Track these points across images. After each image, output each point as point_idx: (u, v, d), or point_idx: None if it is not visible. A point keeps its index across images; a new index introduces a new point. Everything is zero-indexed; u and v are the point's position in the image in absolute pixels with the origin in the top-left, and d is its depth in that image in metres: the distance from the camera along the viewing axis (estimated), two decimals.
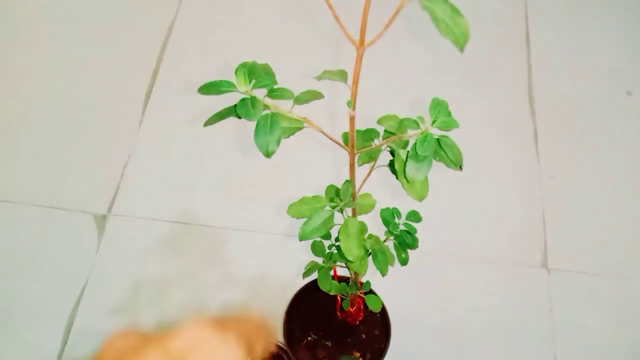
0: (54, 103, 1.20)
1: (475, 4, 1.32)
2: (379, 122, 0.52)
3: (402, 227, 0.61)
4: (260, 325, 0.36)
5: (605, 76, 1.26)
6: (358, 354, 0.84)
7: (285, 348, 0.83)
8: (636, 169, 1.14)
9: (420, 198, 0.48)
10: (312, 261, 0.68)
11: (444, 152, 0.45)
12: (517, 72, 1.25)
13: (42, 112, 1.19)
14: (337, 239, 0.65)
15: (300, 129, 0.47)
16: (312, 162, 1.11)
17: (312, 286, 0.86)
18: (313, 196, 0.54)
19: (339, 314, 0.85)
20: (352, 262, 0.60)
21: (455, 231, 1.06)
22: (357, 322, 0.86)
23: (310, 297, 0.87)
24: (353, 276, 0.71)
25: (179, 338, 0.28)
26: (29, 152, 1.14)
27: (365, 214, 0.58)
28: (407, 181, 0.46)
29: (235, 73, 0.43)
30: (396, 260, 0.61)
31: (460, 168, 0.46)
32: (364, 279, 0.74)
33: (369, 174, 0.55)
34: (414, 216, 0.61)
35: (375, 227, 0.62)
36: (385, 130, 0.52)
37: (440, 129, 0.45)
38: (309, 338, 0.85)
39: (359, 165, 0.54)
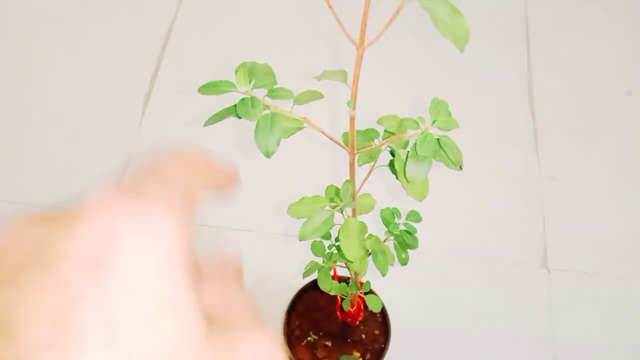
0: (53, 103, 1.20)
1: (475, 4, 1.32)
2: (379, 122, 0.52)
3: (402, 227, 0.61)
4: (194, 160, 0.25)
5: (605, 76, 1.26)
6: (358, 354, 0.84)
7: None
8: (636, 169, 1.14)
9: (420, 198, 0.48)
10: (312, 261, 0.68)
11: (444, 152, 0.45)
12: (517, 72, 1.25)
13: (41, 112, 1.19)
14: (337, 239, 0.65)
15: (300, 129, 0.47)
16: (312, 162, 1.11)
17: (312, 286, 0.86)
18: (313, 196, 0.54)
19: (339, 314, 0.85)
20: (352, 262, 0.60)
21: (455, 231, 1.06)
22: (357, 322, 0.86)
23: (310, 297, 0.87)
24: (353, 276, 0.71)
25: (82, 236, 0.19)
26: (29, 152, 1.14)
27: (365, 214, 0.58)
28: (407, 181, 0.46)
29: (235, 73, 0.43)
30: (396, 260, 0.61)
31: (460, 168, 0.46)
32: (364, 279, 0.74)
33: (369, 174, 0.55)
34: (414, 216, 0.61)
35: (375, 227, 0.62)
36: (385, 130, 0.52)
37: (440, 129, 0.45)
38: (309, 338, 0.85)
39: (359, 165, 0.54)
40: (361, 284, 0.74)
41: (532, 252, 1.04)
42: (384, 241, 0.62)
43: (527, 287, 1.01)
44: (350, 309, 0.81)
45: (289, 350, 0.83)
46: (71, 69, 1.24)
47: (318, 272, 0.68)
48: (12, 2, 1.35)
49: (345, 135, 0.52)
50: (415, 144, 0.44)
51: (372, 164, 0.55)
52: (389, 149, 0.52)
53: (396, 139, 0.48)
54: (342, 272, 0.77)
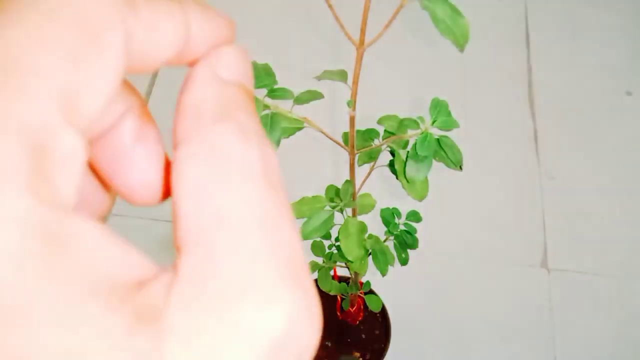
0: None
1: (475, 4, 1.32)
2: (379, 122, 0.52)
3: (402, 227, 0.61)
4: None
5: (605, 76, 1.26)
6: (358, 354, 0.84)
7: None
8: (636, 169, 1.14)
9: (420, 198, 0.48)
10: (312, 261, 0.68)
11: (444, 152, 0.45)
12: (517, 72, 1.25)
13: None
14: (337, 239, 0.65)
15: (300, 129, 0.47)
16: (312, 162, 1.11)
17: None
18: (313, 196, 0.54)
19: (339, 314, 0.85)
20: (352, 262, 0.60)
21: (455, 231, 1.06)
22: (357, 322, 0.86)
23: None
24: (353, 276, 0.71)
25: None
26: None
27: (365, 214, 0.58)
28: (407, 181, 0.47)
29: None
30: (396, 260, 0.61)
31: (460, 168, 0.46)
32: (364, 279, 0.74)
33: (369, 174, 0.55)
34: (414, 216, 0.61)
35: (375, 227, 0.62)
36: (385, 130, 0.52)
37: (440, 129, 0.45)
38: None
39: (359, 165, 0.54)
40: (361, 284, 0.74)
41: (532, 252, 1.04)
42: (384, 241, 0.62)
43: (527, 287, 1.01)
44: (350, 309, 0.81)
45: None
46: None
47: (318, 272, 0.68)
48: None
49: (345, 135, 0.52)
50: (415, 144, 0.44)
51: (372, 164, 0.55)
52: (389, 149, 0.52)
53: (396, 139, 0.48)
54: (342, 272, 0.77)
